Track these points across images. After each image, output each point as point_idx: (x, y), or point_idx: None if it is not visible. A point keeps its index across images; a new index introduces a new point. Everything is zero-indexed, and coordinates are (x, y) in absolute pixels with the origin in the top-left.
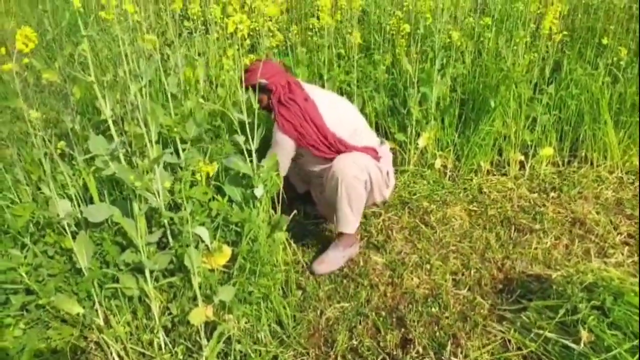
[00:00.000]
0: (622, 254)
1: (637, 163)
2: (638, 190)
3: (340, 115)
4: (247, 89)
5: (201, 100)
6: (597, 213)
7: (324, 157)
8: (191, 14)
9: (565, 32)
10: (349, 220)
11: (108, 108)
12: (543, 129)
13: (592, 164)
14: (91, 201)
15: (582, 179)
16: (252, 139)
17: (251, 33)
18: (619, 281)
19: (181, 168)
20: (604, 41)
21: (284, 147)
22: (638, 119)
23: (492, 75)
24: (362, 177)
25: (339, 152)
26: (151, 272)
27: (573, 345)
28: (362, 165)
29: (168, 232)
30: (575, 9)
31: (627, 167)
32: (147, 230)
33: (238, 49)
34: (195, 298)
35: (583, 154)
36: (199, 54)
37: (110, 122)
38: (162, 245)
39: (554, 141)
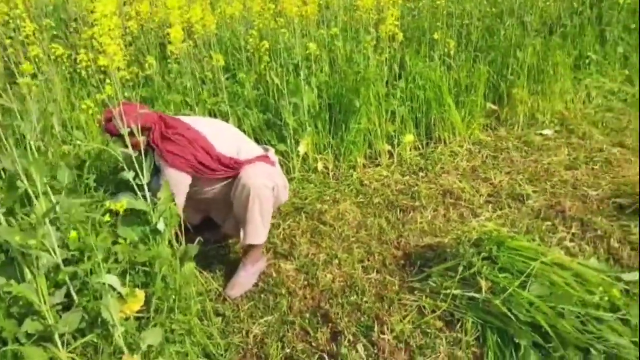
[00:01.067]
0: (489, 211)
1: (483, 136)
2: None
3: (222, 134)
4: (113, 136)
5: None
6: (460, 182)
7: (222, 177)
8: (31, 55)
9: (401, 33)
10: (259, 230)
11: None
12: (401, 119)
13: (445, 142)
14: None
15: (440, 156)
16: (142, 173)
17: (100, 69)
18: (497, 232)
19: (58, 219)
20: (435, 36)
21: (180, 183)
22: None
23: (350, 78)
24: (269, 184)
25: (234, 169)
26: (61, 336)
27: (477, 295)
28: (266, 173)
29: (71, 288)
30: (402, 13)
31: (472, 139)
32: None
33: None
34: (115, 352)
35: (437, 135)
36: (46, 99)
37: None
38: (64, 305)
39: (412, 128)
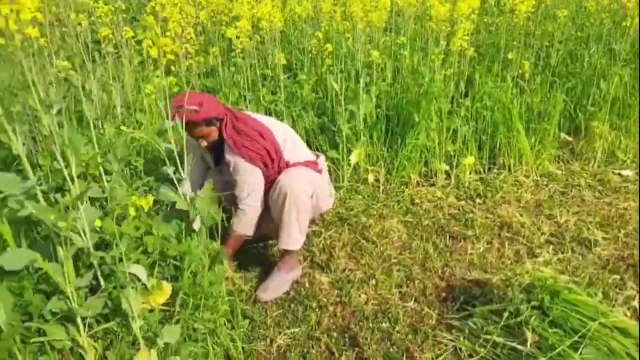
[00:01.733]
0: (548, 253)
1: (553, 169)
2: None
3: (280, 132)
4: (188, 124)
5: (123, 127)
6: (521, 215)
7: (270, 179)
8: (101, 36)
9: (472, 48)
10: (294, 236)
11: (20, 142)
12: (463, 139)
13: (509, 169)
14: (4, 247)
15: (502, 184)
16: (183, 169)
17: (167, 55)
18: (553, 280)
19: (106, 201)
20: (510, 56)
21: (259, 177)
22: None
23: (413, 91)
24: (309, 190)
25: (280, 171)
26: (83, 319)
27: (520, 347)
28: (307, 178)
29: (99, 273)
30: (478, 27)
31: (540, 170)
32: (75, 274)
33: (156, 74)
34: (135, 343)
35: (501, 160)
36: (114, 79)
37: (23, 157)
38: (92, 288)
39: (474, 150)
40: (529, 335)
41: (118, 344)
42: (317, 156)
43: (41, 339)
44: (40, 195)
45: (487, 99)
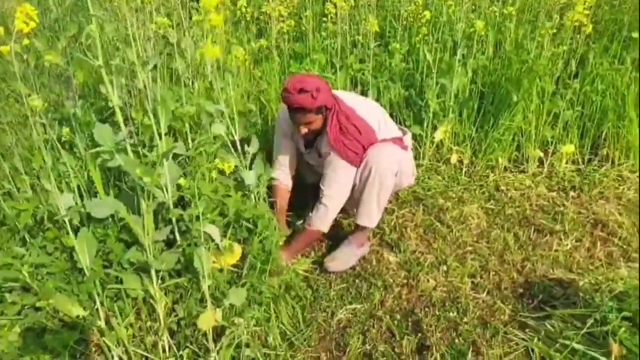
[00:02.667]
0: None
1: None
2: (638, 190)
3: (371, 112)
4: (295, 108)
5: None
6: (620, 214)
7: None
8: None
9: (591, 24)
10: (373, 214)
11: (116, 95)
12: (565, 125)
13: (613, 162)
14: (94, 194)
15: (603, 178)
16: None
17: (260, 17)
18: None
19: (188, 160)
20: (634, 35)
21: (350, 180)
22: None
23: (514, 67)
24: (394, 168)
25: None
26: (157, 272)
27: (602, 358)
28: (395, 157)
29: (175, 229)
30: (599, 1)
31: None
32: (154, 228)
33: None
34: (202, 300)
35: (605, 152)
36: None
37: (117, 110)
38: (168, 243)
39: (575, 138)
40: (614, 347)
41: (187, 300)
42: (404, 132)
43: (118, 286)
44: (129, 148)
45: (600, 82)
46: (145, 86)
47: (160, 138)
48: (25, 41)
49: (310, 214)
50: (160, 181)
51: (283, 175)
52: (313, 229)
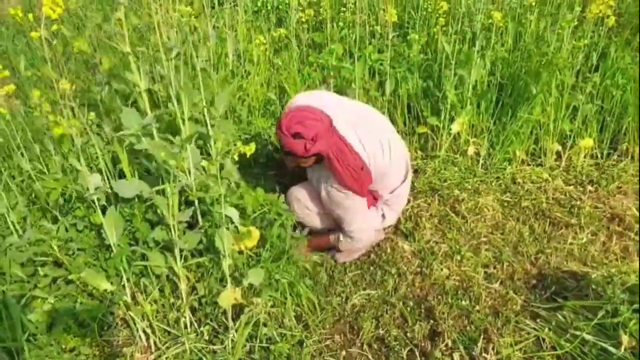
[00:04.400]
0: None
1: None
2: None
3: (370, 143)
4: (286, 152)
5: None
6: (637, 209)
7: None
8: None
9: (613, 17)
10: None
11: (143, 81)
12: (584, 118)
13: (632, 157)
14: (120, 175)
15: (621, 173)
16: None
17: (280, 7)
18: None
19: (209, 145)
20: None
21: (357, 201)
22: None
23: (534, 60)
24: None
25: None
26: (180, 251)
27: (612, 350)
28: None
29: (198, 211)
30: None
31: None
32: (178, 209)
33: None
34: (223, 279)
35: (624, 147)
36: (229, 27)
37: (144, 96)
38: (191, 224)
39: (595, 132)
40: (625, 338)
41: (208, 278)
42: (405, 178)
43: (144, 263)
44: (155, 132)
45: (621, 76)
46: (169, 73)
47: (184, 123)
48: (54, 27)
49: (338, 234)
50: (184, 164)
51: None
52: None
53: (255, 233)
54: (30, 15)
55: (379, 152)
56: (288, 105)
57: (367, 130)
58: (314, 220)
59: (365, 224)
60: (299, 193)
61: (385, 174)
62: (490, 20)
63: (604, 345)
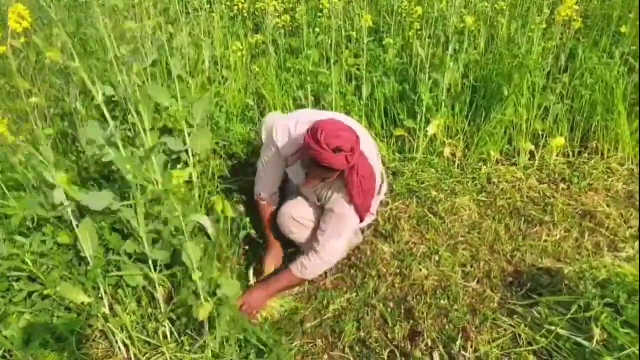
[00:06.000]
0: (633, 249)
1: None
2: (638, 187)
3: (378, 162)
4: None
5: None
6: (608, 206)
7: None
8: None
9: (580, 19)
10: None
11: (100, 94)
12: (555, 118)
13: (603, 155)
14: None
15: (592, 171)
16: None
17: (256, 12)
18: (633, 278)
19: (187, 153)
20: (623, 30)
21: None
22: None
23: (506, 62)
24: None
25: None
26: (154, 261)
27: (585, 343)
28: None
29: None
30: None
31: (637, 159)
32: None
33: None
34: (196, 291)
35: (594, 145)
36: (204, 34)
37: (103, 107)
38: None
39: (566, 131)
40: (597, 332)
41: (181, 290)
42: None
43: (120, 273)
44: (120, 143)
45: (589, 76)
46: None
47: (146, 134)
48: (22, 39)
49: (301, 259)
50: (150, 176)
51: (270, 194)
52: (300, 277)
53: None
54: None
55: (378, 166)
56: (282, 124)
57: (366, 142)
58: (312, 235)
59: (341, 247)
60: (293, 211)
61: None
62: (463, 24)
63: (577, 339)
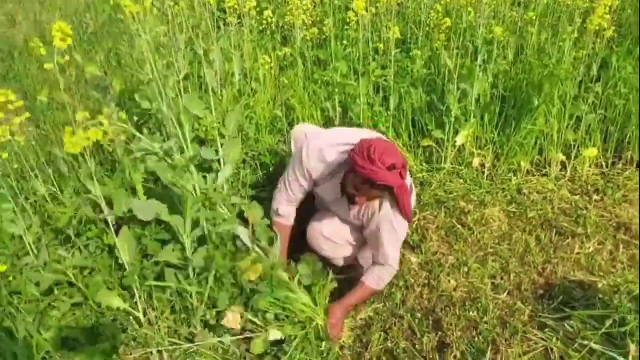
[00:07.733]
0: None
1: None
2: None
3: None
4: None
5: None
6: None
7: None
8: (227, 6)
9: (613, 28)
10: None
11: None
12: (587, 128)
13: (637, 166)
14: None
15: (626, 182)
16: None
17: (284, 26)
18: None
19: (219, 162)
20: None
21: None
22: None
23: (536, 72)
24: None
25: None
26: (193, 269)
27: (620, 359)
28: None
29: (206, 229)
30: (623, 3)
31: None
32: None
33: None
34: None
35: (629, 155)
36: (234, 47)
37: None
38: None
39: (599, 142)
40: (632, 347)
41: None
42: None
43: (156, 283)
44: (161, 154)
45: (622, 85)
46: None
47: (186, 144)
48: (65, 57)
49: (374, 272)
50: (189, 185)
51: (289, 211)
52: (375, 289)
53: (259, 267)
54: (43, 50)
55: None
56: (313, 146)
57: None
58: (344, 250)
59: (399, 253)
60: (324, 229)
61: None
62: (491, 35)
63: (611, 354)
